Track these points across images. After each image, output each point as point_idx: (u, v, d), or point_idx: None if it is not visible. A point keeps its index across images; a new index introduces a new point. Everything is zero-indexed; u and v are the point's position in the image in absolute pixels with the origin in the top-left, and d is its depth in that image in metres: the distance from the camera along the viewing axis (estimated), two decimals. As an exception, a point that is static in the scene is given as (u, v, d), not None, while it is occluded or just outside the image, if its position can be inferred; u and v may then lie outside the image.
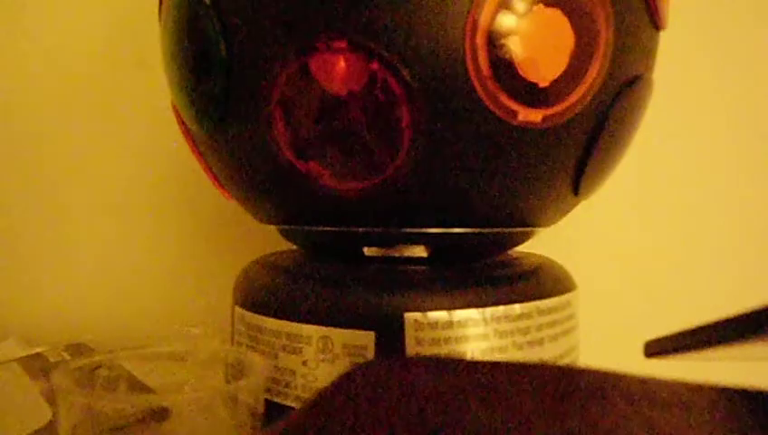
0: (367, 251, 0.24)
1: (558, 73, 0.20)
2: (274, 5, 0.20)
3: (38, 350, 0.30)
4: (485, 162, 0.21)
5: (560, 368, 0.15)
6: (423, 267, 0.24)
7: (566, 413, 0.12)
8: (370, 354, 0.21)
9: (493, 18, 0.19)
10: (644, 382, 0.14)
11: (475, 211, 0.22)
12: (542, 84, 0.20)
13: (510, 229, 0.24)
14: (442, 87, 0.19)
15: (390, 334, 0.21)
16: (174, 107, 0.26)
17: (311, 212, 0.23)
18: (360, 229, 0.23)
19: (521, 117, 0.20)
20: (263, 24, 0.20)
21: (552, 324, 0.23)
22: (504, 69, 0.19)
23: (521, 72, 0.20)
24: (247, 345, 0.24)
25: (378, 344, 0.21)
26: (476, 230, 0.23)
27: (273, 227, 0.26)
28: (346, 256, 0.24)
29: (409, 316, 0.21)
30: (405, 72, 0.19)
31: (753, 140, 0.37)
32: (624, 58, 0.22)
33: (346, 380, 0.14)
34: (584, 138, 0.22)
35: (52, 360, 0.29)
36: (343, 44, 0.19)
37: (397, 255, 0.23)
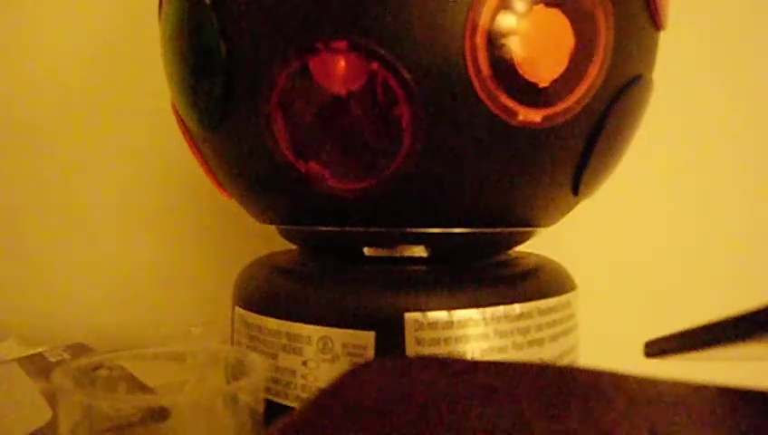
0: (367, 251, 0.24)
1: (558, 73, 0.20)
2: (274, 6, 0.20)
3: (38, 350, 0.30)
4: (485, 162, 0.21)
5: (560, 368, 0.15)
6: (423, 267, 0.24)
7: (566, 413, 0.12)
8: (370, 354, 0.21)
9: (493, 18, 0.19)
10: (644, 382, 0.14)
11: (475, 211, 0.22)
12: (542, 84, 0.20)
13: (510, 229, 0.24)
14: (442, 87, 0.19)
15: (390, 334, 0.21)
16: (174, 107, 0.26)
17: (311, 212, 0.23)
18: (360, 229, 0.23)
19: (521, 117, 0.20)
20: (263, 25, 0.20)
21: (552, 324, 0.23)
22: (504, 69, 0.19)
23: (521, 73, 0.20)
24: (247, 345, 0.24)
25: (378, 344, 0.21)
26: (476, 230, 0.23)
27: (273, 227, 0.26)
28: (346, 256, 0.24)
29: (409, 316, 0.21)
30: (405, 72, 0.19)
31: (754, 141, 0.37)
32: (624, 58, 0.22)
33: (346, 380, 0.14)
34: (584, 138, 0.22)
35: (52, 360, 0.29)
36: (343, 44, 0.19)
37: (397, 255, 0.23)
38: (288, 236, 0.26)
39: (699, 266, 0.38)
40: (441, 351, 0.21)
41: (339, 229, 0.23)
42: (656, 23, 0.23)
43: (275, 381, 0.23)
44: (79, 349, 0.32)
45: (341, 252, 0.25)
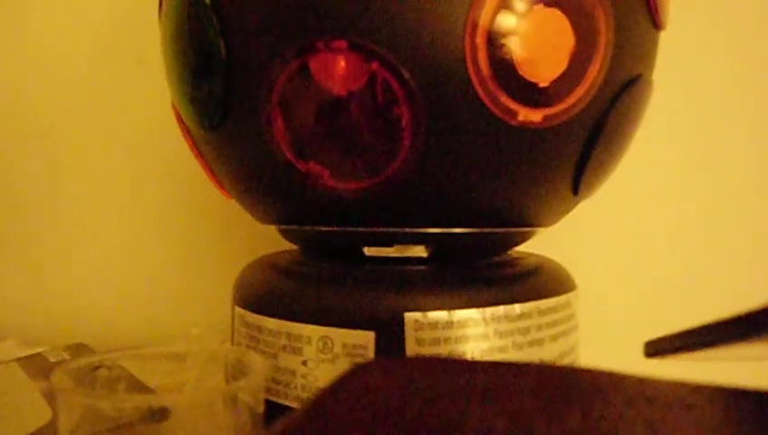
0: (367, 251, 0.24)
1: (558, 73, 0.20)
2: (274, 6, 0.20)
3: (38, 350, 0.30)
4: (485, 162, 0.21)
5: (560, 368, 0.15)
6: (423, 267, 0.24)
7: (566, 413, 0.12)
8: (370, 354, 0.21)
9: (493, 18, 0.19)
10: (644, 382, 0.14)
11: (475, 211, 0.22)
12: (542, 84, 0.20)
13: (510, 229, 0.24)
14: (442, 87, 0.19)
15: (390, 334, 0.21)
16: (174, 107, 0.26)
17: (311, 212, 0.23)
18: (360, 229, 0.23)
19: (521, 117, 0.20)
20: (263, 25, 0.20)
21: (552, 325, 0.23)
22: (504, 69, 0.19)
23: (521, 73, 0.20)
24: (247, 345, 0.24)
25: (378, 344, 0.21)
26: (476, 230, 0.23)
27: (273, 227, 0.26)
28: (346, 256, 0.24)
29: (409, 316, 0.21)
30: (405, 72, 0.19)
31: (755, 141, 0.37)
32: (624, 58, 0.22)
33: (346, 380, 0.14)
34: (584, 138, 0.22)
35: (52, 360, 0.29)
36: (343, 44, 0.19)
37: (397, 255, 0.23)
38: (288, 236, 0.26)
39: (699, 266, 0.38)
40: (441, 351, 0.21)
41: (339, 229, 0.23)
42: (656, 23, 0.23)
43: (275, 381, 0.23)
44: (79, 349, 0.32)
45: (342, 252, 0.25)
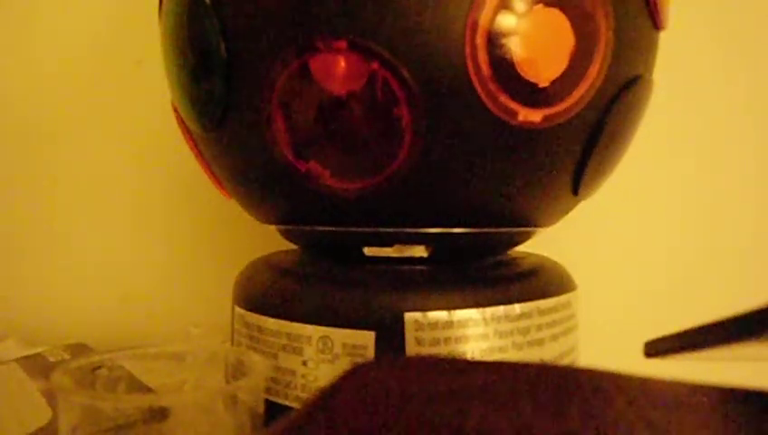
0: (367, 251, 0.24)
1: (558, 73, 0.20)
2: (274, 6, 0.20)
3: (38, 350, 0.30)
4: (485, 162, 0.21)
5: (560, 368, 0.15)
6: (423, 267, 0.24)
7: (566, 413, 0.12)
8: (370, 354, 0.21)
9: (493, 18, 0.19)
10: (644, 382, 0.14)
11: (475, 211, 0.22)
12: (542, 84, 0.20)
13: (510, 229, 0.24)
14: (442, 87, 0.19)
15: (390, 334, 0.21)
16: (174, 107, 0.26)
17: (311, 212, 0.23)
18: (360, 229, 0.23)
19: (521, 117, 0.20)
20: (263, 25, 0.20)
21: (552, 325, 0.23)
22: (504, 69, 0.19)
23: (521, 73, 0.20)
24: (247, 345, 0.24)
25: (378, 344, 0.21)
26: (476, 230, 0.23)
27: (273, 227, 0.26)
28: (346, 256, 0.24)
29: (409, 316, 0.21)
30: (405, 72, 0.19)
31: (756, 141, 0.37)
32: (624, 58, 0.22)
33: (346, 380, 0.14)
34: (584, 138, 0.22)
35: (52, 360, 0.29)
36: (343, 44, 0.19)
37: (397, 255, 0.23)
38: (288, 236, 0.26)
39: (699, 266, 0.37)
40: (441, 351, 0.21)
41: (339, 229, 0.23)
42: (656, 23, 0.23)
43: (275, 381, 0.23)
44: (79, 349, 0.32)
45: (342, 252, 0.25)
